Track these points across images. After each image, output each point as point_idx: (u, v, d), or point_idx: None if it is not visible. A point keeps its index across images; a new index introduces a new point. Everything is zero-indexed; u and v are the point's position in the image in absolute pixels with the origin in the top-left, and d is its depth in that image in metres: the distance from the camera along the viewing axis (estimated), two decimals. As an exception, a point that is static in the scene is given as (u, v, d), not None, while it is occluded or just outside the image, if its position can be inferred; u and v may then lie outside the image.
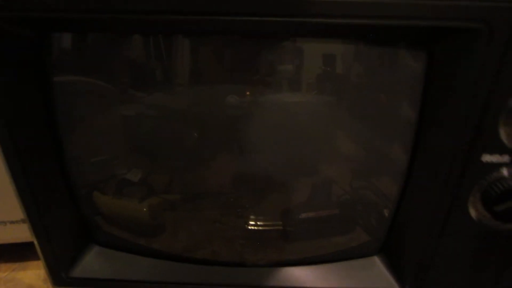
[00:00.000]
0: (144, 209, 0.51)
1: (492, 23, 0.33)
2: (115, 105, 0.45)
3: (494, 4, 0.32)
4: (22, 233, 0.59)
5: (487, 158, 0.38)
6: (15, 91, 0.38)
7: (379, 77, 0.43)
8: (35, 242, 0.46)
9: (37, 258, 0.63)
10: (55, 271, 0.49)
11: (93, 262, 0.51)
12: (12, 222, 0.58)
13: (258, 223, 0.52)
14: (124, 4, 0.34)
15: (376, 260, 0.51)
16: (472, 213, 0.42)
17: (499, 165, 0.39)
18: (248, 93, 0.44)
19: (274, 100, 0.44)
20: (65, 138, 0.45)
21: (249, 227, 0.52)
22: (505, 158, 0.38)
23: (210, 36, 0.41)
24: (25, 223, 0.57)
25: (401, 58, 0.41)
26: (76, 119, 0.45)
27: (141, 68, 0.43)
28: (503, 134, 0.37)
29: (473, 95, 0.36)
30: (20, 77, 0.39)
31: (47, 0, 0.34)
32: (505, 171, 0.39)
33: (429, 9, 0.33)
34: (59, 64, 0.42)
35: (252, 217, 0.52)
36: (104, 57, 0.42)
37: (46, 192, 0.44)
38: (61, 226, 0.48)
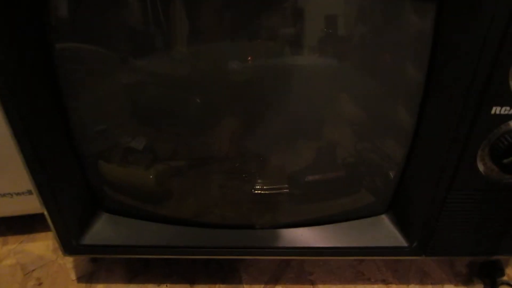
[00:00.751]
0: (151, 176, 0.51)
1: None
2: (116, 72, 0.45)
3: None
4: (29, 205, 0.59)
5: (496, 110, 0.38)
6: (18, 59, 0.38)
7: (385, 36, 0.41)
8: (45, 212, 0.46)
9: (45, 230, 0.65)
10: (66, 240, 0.49)
11: (102, 229, 0.51)
12: (18, 194, 0.57)
13: (265, 187, 0.52)
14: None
15: (384, 218, 0.51)
16: (480, 167, 0.42)
17: (508, 118, 0.38)
18: (250, 58, 0.43)
19: (277, 64, 0.43)
20: (70, 106, 0.44)
21: (256, 191, 0.52)
22: (515, 110, 0.38)
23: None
24: (31, 194, 0.58)
25: (407, 13, 0.40)
26: (78, 88, 0.45)
27: (140, 35, 0.42)
28: (513, 85, 0.37)
29: (483, 47, 0.35)
30: (23, 45, 0.38)
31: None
32: (513, 124, 0.39)
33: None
34: (60, 31, 0.41)
35: (258, 181, 0.52)
36: (103, 23, 0.41)
37: (54, 161, 0.44)
38: (70, 195, 0.48)
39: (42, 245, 0.63)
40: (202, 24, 0.42)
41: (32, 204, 0.59)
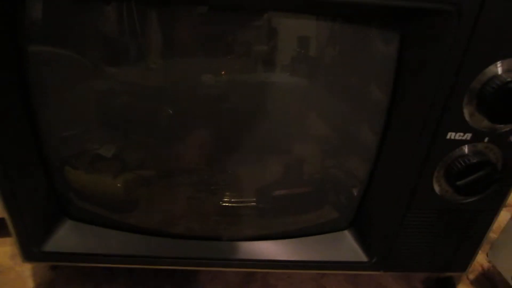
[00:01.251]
0: (118, 185, 0.51)
1: (461, 7, 0.34)
2: (88, 79, 0.44)
3: (464, -11, 0.34)
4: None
5: (451, 135, 0.41)
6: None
7: (353, 59, 0.44)
8: (6, 216, 0.45)
9: (2, 235, 0.63)
10: (26, 246, 0.48)
11: (66, 236, 0.50)
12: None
13: (232, 200, 0.53)
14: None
15: (346, 234, 0.53)
16: (436, 188, 0.45)
17: (462, 143, 0.42)
18: (223, 72, 0.44)
19: (249, 80, 0.44)
20: (38, 109, 0.44)
21: (223, 204, 0.53)
22: (467, 136, 0.41)
23: (187, 10, 0.40)
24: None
25: (374, 40, 0.42)
26: (48, 91, 0.44)
27: (115, 43, 0.42)
28: (466, 113, 0.40)
29: (441, 76, 0.38)
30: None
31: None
32: (466, 149, 0.42)
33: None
34: (33, 33, 0.40)
35: (226, 194, 0.53)
36: (77, 28, 0.41)
37: (19, 165, 0.43)
38: (34, 200, 0.47)
39: (-1, 252, 0.61)
40: (177, 37, 0.43)
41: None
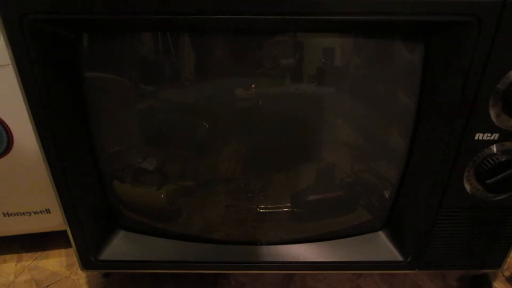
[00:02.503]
0: (162, 196, 0.55)
1: (481, 17, 0.37)
2: (132, 99, 0.48)
3: (483, 0, 0.36)
4: (44, 223, 0.63)
5: (479, 136, 0.43)
6: (53, 84, 0.42)
7: (380, 69, 0.46)
8: (68, 228, 0.50)
9: (57, 247, 0.68)
10: (85, 255, 0.52)
11: (119, 246, 0.54)
12: (36, 213, 0.61)
13: (268, 206, 0.56)
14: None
15: (381, 235, 0.55)
16: (467, 187, 0.47)
17: (490, 142, 0.43)
18: (253, 86, 0.47)
19: (279, 91, 0.47)
20: (93, 129, 0.48)
21: (260, 210, 0.56)
22: (495, 136, 0.43)
23: (217, 34, 0.44)
24: (49, 213, 0.61)
25: (399, 51, 0.45)
26: (99, 111, 0.48)
27: (153, 65, 0.46)
28: (492, 114, 0.42)
29: (466, 81, 0.40)
30: (57, 72, 0.42)
31: (82, 3, 0.37)
32: (494, 148, 0.44)
33: (426, 5, 0.37)
34: (88, 62, 0.45)
35: (262, 200, 0.55)
36: (121, 55, 0.45)
37: (78, 180, 0.48)
38: (90, 213, 0.51)
39: (56, 262, 0.65)
40: (208, 56, 0.46)
41: (47, 222, 0.63)
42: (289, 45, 0.45)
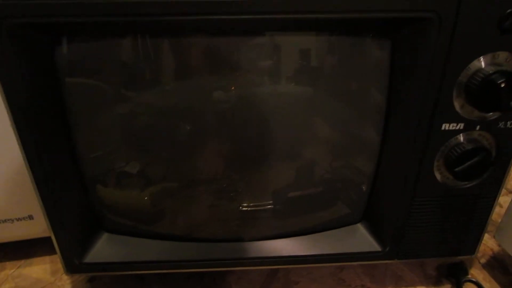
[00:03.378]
0: (146, 198, 0.56)
1: (440, 13, 0.39)
2: (111, 103, 0.49)
3: (441, -4, 0.39)
4: (27, 230, 0.63)
5: (445, 127, 0.45)
6: (33, 88, 0.42)
7: (350, 67, 0.48)
8: (51, 231, 0.50)
9: (41, 254, 0.68)
10: (69, 259, 0.52)
11: (103, 248, 0.55)
12: (18, 219, 0.61)
13: (251, 204, 0.57)
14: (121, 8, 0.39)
15: (360, 227, 0.57)
16: (438, 176, 0.49)
17: (456, 132, 0.46)
18: (233, 87, 0.48)
19: (257, 92, 0.49)
20: (74, 134, 0.49)
21: (243, 209, 0.57)
22: (460, 126, 0.45)
23: (195, 37, 0.45)
24: (31, 219, 0.61)
25: (369, 48, 0.47)
26: (79, 116, 0.49)
27: (131, 69, 0.47)
28: (457, 105, 0.44)
29: (430, 75, 0.43)
30: (37, 77, 0.43)
31: (60, 7, 0.38)
32: (461, 137, 0.46)
33: (389, 3, 0.39)
34: (65, 67, 0.45)
35: (244, 199, 0.57)
36: (99, 60, 0.46)
37: (61, 185, 0.48)
38: (73, 216, 0.51)
39: (40, 269, 0.65)
40: (187, 59, 0.47)
41: (31, 229, 0.63)
42: (265, 46, 0.47)
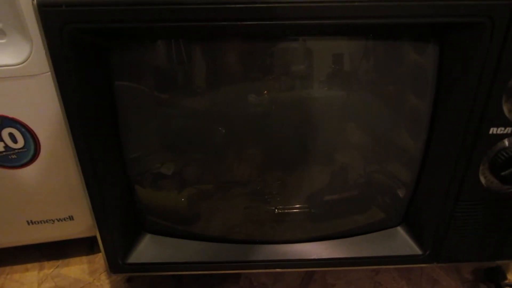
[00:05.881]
0: (183, 199, 0.57)
1: (494, 18, 0.39)
2: (153, 106, 0.50)
3: (496, 2, 0.39)
4: (66, 230, 0.64)
5: (493, 131, 0.45)
6: (88, 92, 0.44)
7: (395, 72, 0.48)
8: (97, 232, 0.51)
9: (78, 255, 0.69)
10: (113, 259, 0.53)
11: (145, 249, 0.56)
12: (59, 220, 0.62)
13: (286, 207, 0.58)
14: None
15: (399, 230, 0.57)
16: (482, 180, 0.49)
17: (503, 136, 0.46)
18: (266, 91, 0.49)
19: (290, 96, 0.49)
20: (122, 137, 0.50)
21: (278, 211, 0.58)
22: (508, 130, 0.45)
23: (230, 42, 0.46)
24: (72, 220, 0.62)
25: (415, 52, 0.47)
26: (126, 118, 0.50)
27: (173, 75, 0.48)
28: (505, 110, 0.44)
29: (480, 80, 0.43)
30: (92, 80, 0.44)
31: (117, 13, 0.39)
32: (506, 142, 0.46)
33: (442, 8, 0.40)
34: (120, 70, 0.47)
35: (279, 202, 0.57)
36: (144, 67, 0.47)
37: (108, 183, 0.49)
38: (118, 217, 0.52)
39: (77, 269, 0.66)
40: (222, 64, 0.48)
41: (70, 230, 0.64)
42: (299, 52, 0.47)
